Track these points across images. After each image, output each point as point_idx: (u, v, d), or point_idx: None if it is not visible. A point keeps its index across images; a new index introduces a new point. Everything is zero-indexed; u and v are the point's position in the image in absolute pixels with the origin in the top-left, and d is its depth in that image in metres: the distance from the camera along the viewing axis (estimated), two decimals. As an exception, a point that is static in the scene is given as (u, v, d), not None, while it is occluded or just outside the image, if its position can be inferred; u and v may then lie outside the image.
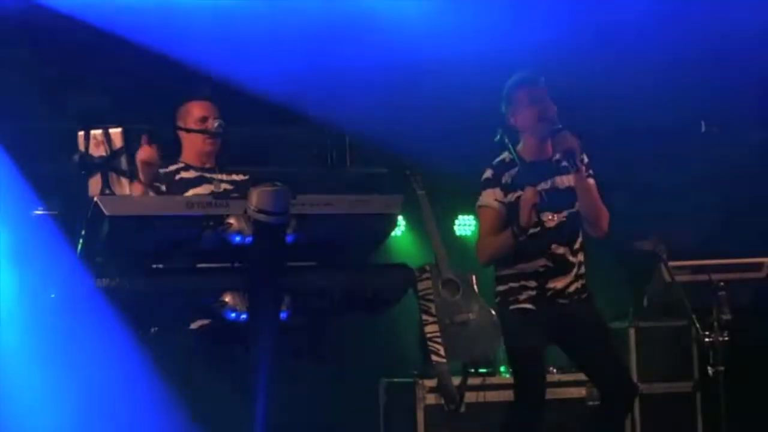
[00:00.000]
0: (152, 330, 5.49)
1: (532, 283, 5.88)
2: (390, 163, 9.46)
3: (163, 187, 5.82)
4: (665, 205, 8.71)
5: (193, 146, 6.15)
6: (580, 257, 6.02)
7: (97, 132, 5.15)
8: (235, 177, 6.12)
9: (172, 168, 6.06)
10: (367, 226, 4.99)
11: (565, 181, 5.94)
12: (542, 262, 5.87)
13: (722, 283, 6.96)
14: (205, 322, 5.26)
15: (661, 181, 9.06)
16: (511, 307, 5.95)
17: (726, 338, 6.81)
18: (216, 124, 5.89)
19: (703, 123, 6.72)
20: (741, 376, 7.18)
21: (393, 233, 5.27)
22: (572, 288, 5.92)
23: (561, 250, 5.91)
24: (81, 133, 5.07)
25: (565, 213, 5.92)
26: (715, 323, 6.84)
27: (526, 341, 5.93)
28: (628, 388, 5.99)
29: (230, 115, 6.17)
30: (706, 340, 6.81)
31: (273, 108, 8.87)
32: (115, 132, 5.22)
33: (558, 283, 5.89)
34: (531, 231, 5.78)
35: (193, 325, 5.37)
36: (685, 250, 7.30)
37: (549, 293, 5.88)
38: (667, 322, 8.22)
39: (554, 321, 5.90)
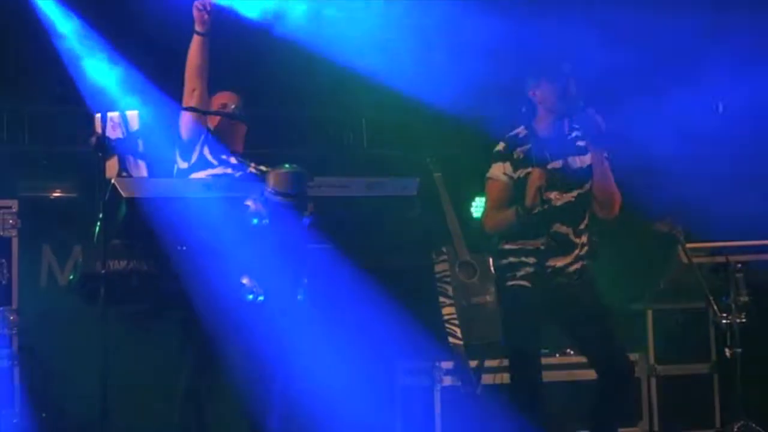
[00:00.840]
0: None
1: (531, 260, 5.85)
2: (406, 146, 9.47)
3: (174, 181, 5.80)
4: (683, 186, 8.68)
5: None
6: (584, 239, 5.99)
7: (114, 114, 5.17)
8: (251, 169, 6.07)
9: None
10: (384, 209, 4.99)
11: (578, 161, 5.91)
12: (544, 240, 5.86)
13: (739, 265, 6.95)
14: None
15: (679, 163, 9.04)
16: (508, 283, 5.92)
17: (743, 320, 6.79)
18: (233, 106, 5.85)
19: (720, 104, 6.69)
20: (758, 358, 7.17)
21: (410, 215, 5.25)
22: (572, 268, 5.89)
23: (564, 229, 5.88)
24: (98, 116, 5.08)
25: (574, 193, 5.89)
26: (733, 305, 6.83)
27: (520, 319, 5.90)
28: (623, 368, 5.95)
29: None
30: (724, 321, 6.80)
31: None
32: (132, 114, 5.25)
33: (557, 262, 5.86)
34: (536, 209, 5.77)
35: None
36: (703, 232, 7.28)
37: (548, 271, 5.85)
38: (684, 304, 8.19)
39: (550, 300, 5.86)
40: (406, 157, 9.30)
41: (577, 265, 5.91)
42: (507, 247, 5.92)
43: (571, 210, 5.87)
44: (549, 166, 5.83)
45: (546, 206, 5.77)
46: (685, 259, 7.05)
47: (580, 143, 5.92)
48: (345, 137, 9.63)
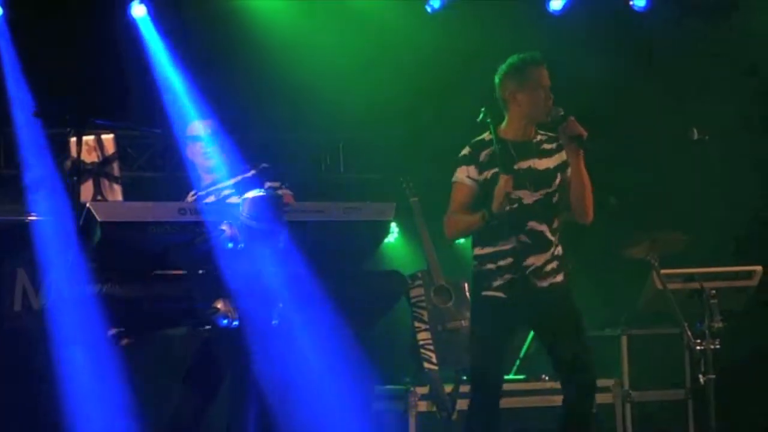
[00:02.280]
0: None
1: (509, 260, 5.82)
2: (383, 170, 9.48)
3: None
4: (658, 212, 8.73)
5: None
6: (557, 238, 6.01)
7: (89, 138, 5.17)
8: (239, 177, 6.00)
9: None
10: (360, 233, 5.00)
11: (544, 163, 5.93)
12: (520, 237, 5.85)
13: (714, 291, 6.97)
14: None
15: (654, 188, 9.09)
16: (483, 293, 5.90)
17: (717, 346, 6.81)
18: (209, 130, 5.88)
19: (694, 130, 6.72)
20: (732, 384, 7.19)
21: (386, 240, 5.25)
22: (549, 267, 5.89)
23: (539, 227, 5.88)
24: (73, 139, 5.07)
25: (542, 192, 5.91)
26: (707, 331, 6.85)
27: (489, 331, 5.88)
28: (588, 379, 5.95)
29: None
30: (698, 347, 6.82)
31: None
32: (108, 138, 5.24)
33: (536, 260, 5.85)
34: (508, 208, 5.78)
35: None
36: (677, 258, 7.31)
37: (527, 272, 5.82)
38: (658, 330, 8.23)
39: (525, 310, 5.85)
40: (384, 181, 9.33)
41: (553, 264, 5.90)
42: (484, 251, 5.90)
43: (542, 208, 5.88)
44: (515, 167, 5.85)
45: (516, 205, 5.78)
46: (659, 285, 7.08)
47: (546, 146, 5.95)
48: (322, 161, 9.65)
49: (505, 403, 6.76)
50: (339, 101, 9.08)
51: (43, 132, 8.34)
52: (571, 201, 5.92)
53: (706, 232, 7.94)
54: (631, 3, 9.38)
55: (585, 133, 5.78)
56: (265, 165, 5.90)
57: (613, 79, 8.95)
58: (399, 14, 9.00)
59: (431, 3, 9.19)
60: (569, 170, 5.92)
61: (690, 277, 7.12)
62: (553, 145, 5.95)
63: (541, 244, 5.87)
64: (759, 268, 7.34)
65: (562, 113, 5.81)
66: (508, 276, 5.82)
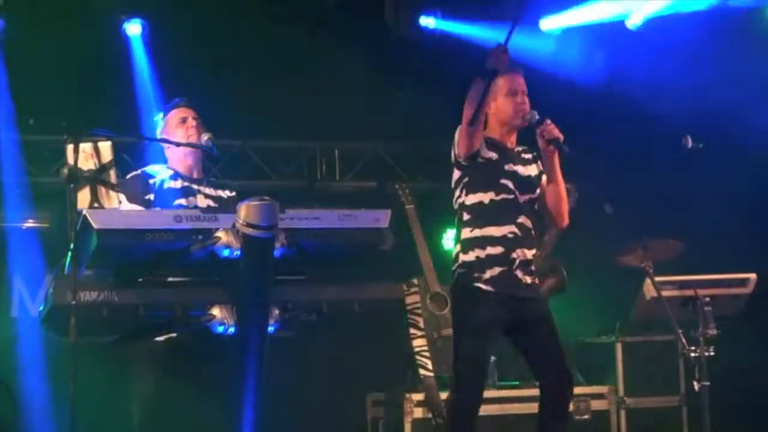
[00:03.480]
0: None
1: (498, 249, 5.83)
2: (378, 177, 9.51)
3: (151, 197, 5.82)
4: (652, 219, 8.75)
5: (176, 153, 6.02)
6: (538, 244, 6.09)
7: (86, 145, 5.18)
8: (221, 193, 6.02)
9: (160, 177, 5.96)
10: (355, 241, 5.01)
11: (526, 170, 5.97)
12: (511, 228, 5.87)
13: (708, 299, 7.00)
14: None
15: (649, 195, 9.11)
16: (474, 284, 5.88)
17: (712, 353, 6.84)
18: (206, 138, 5.83)
19: (689, 138, 6.75)
20: (726, 391, 7.21)
21: (381, 247, 5.26)
22: (533, 266, 5.92)
23: (528, 223, 5.93)
24: (70, 146, 5.08)
25: (527, 197, 5.96)
26: (701, 338, 6.87)
27: (478, 324, 5.86)
28: (566, 374, 5.96)
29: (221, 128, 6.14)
30: (692, 355, 6.84)
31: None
32: (104, 145, 5.25)
33: (524, 254, 5.87)
34: (504, 196, 5.84)
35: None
36: (672, 265, 7.33)
37: (515, 264, 5.84)
38: (653, 337, 8.26)
39: (511, 314, 5.85)
40: (379, 188, 9.35)
41: (536, 265, 5.97)
42: (472, 234, 5.89)
43: (530, 208, 5.94)
44: (505, 168, 5.92)
45: (512, 196, 5.85)
46: (654, 293, 7.10)
47: (525, 156, 6.00)
48: (318, 169, 9.67)
49: (498, 409, 6.81)
50: (336, 108, 9.11)
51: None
52: (549, 205, 5.98)
53: (700, 239, 7.95)
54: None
55: (561, 136, 5.83)
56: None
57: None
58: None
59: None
60: (544, 177, 5.98)
61: (684, 285, 7.14)
62: (531, 155, 6.02)
63: (528, 239, 5.92)
64: (753, 275, 7.37)
65: (538, 117, 5.87)
66: (497, 269, 5.82)
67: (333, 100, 8.98)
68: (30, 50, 8.21)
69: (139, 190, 5.78)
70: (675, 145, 7.04)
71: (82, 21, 8.18)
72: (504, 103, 5.93)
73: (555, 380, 5.87)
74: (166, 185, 5.88)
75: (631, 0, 8.98)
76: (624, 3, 9.02)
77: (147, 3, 8.52)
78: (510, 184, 5.89)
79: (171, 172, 5.96)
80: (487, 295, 5.81)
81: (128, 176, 5.85)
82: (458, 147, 5.87)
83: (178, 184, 5.91)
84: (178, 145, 5.87)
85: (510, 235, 5.86)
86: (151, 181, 5.87)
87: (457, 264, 5.94)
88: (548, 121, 5.85)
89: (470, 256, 5.88)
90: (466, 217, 5.93)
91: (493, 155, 5.89)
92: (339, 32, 8.79)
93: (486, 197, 5.89)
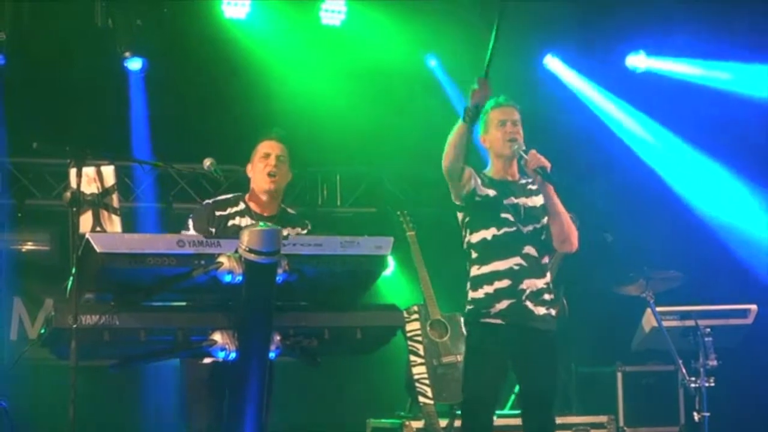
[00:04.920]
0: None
1: (506, 282, 5.85)
2: (379, 203, 9.52)
3: (212, 230, 5.72)
4: (653, 250, 8.76)
5: (255, 189, 5.93)
6: (549, 276, 6.06)
7: (89, 169, 5.18)
8: (292, 231, 5.74)
9: (230, 211, 5.86)
10: (358, 267, 5.01)
11: (530, 201, 5.99)
12: (517, 260, 5.88)
13: (709, 329, 6.99)
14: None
15: (649, 227, 9.12)
16: (482, 319, 5.91)
17: (712, 384, 6.83)
18: (208, 163, 5.80)
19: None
20: (726, 422, 7.20)
21: (383, 274, 5.27)
22: (546, 296, 5.91)
23: (534, 252, 5.94)
24: (73, 170, 5.08)
25: (531, 227, 5.97)
26: (701, 369, 6.86)
27: (487, 362, 5.89)
28: (549, 419, 5.97)
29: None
30: (692, 385, 6.83)
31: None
32: (107, 170, 5.25)
33: (532, 284, 5.88)
34: (505, 230, 5.86)
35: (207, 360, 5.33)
36: (673, 296, 7.33)
37: (524, 296, 5.84)
38: (653, 367, 8.24)
39: (518, 342, 5.86)
40: (381, 214, 9.36)
41: (549, 295, 5.94)
42: (480, 271, 5.93)
43: (535, 238, 5.94)
44: (504, 202, 5.95)
45: (515, 228, 5.88)
46: (654, 323, 7.10)
47: (531, 187, 6.01)
48: (319, 194, 9.69)
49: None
50: (335, 135, 9.14)
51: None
52: (554, 233, 5.98)
53: (702, 269, 7.96)
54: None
55: (548, 165, 5.83)
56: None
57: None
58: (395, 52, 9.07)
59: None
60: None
61: (685, 315, 7.14)
62: (536, 186, 6.02)
63: (536, 269, 5.93)
64: (754, 306, 7.36)
65: (524, 148, 5.89)
66: (506, 301, 5.84)
67: (332, 127, 9.02)
68: (33, 77, 8.27)
69: (203, 222, 5.72)
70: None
71: (87, 52, 8.27)
72: (494, 134, 6.00)
73: (536, 417, 5.89)
74: (230, 222, 5.81)
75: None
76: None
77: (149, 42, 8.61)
78: (510, 217, 5.90)
79: (243, 207, 5.89)
80: (496, 328, 5.84)
81: (203, 203, 5.79)
82: (451, 191, 5.95)
83: (244, 221, 5.82)
84: (179, 173, 5.85)
85: (516, 267, 5.87)
86: (218, 214, 5.81)
87: (467, 302, 6.01)
88: (532, 151, 5.87)
89: (479, 293, 5.94)
90: (473, 255, 5.99)
91: (491, 192, 5.93)
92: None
93: (488, 233, 5.94)
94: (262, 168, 5.88)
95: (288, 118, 8.77)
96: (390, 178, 9.75)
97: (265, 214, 5.89)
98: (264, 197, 5.91)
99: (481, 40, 5.86)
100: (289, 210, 6.06)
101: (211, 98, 8.74)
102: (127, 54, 8.48)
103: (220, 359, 4.85)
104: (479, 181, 5.95)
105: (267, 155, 5.90)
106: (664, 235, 8.93)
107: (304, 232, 5.91)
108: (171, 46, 8.62)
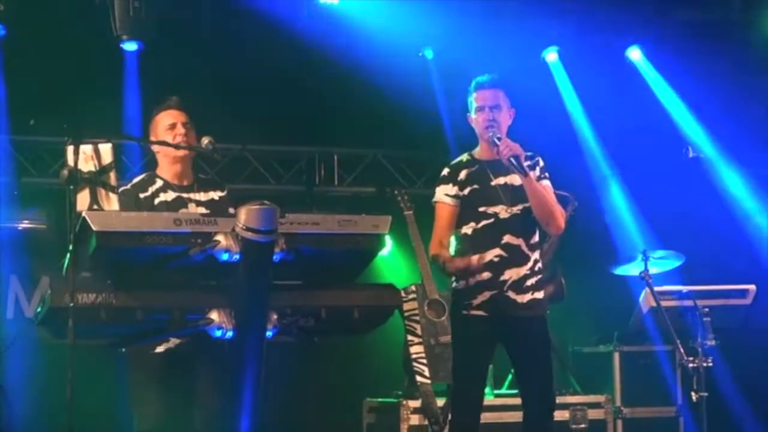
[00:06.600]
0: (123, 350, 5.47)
1: (487, 275, 5.86)
2: (377, 182, 9.50)
3: (145, 214, 5.65)
4: (653, 230, 8.75)
5: (166, 160, 5.90)
6: (536, 254, 6.04)
7: (86, 147, 5.15)
8: (213, 195, 5.91)
9: (151, 190, 5.83)
10: (355, 246, 4.99)
11: (518, 179, 5.98)
12: (497, 251, 5.89)
13: (707, 309, 6.99)
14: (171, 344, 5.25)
15: (646, 206, 9.11)
16: (464, 312, 5.94)
17: (710, 364, 6.83)
18: (206, 141, 5.76)
19: (690, 148, 6.76)
20: (724, 402, 7.20)
21: (380, 253, 5.26)
22: (529, 282, 5.91)
23: (516, 241, 5.93)
24: (70, 148, 5.05)
25: (519, 207, 5.96)
26: (699, 349, 6.86)
27: (472, 354, 5.92)
28: (548, 403, 5.99)
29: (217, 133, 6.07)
30: (690, 365, 6.83)
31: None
32: (105, 147, 5.22)
33: (514, 274, 5.88)
34: (484, 223, 5.87)
35: (159, 348, 5.33)
36: (671, 276, 7.33)
37: (506, 286, 5.85)
38: (651, 347, 8.24)
39: (505, 327, 5.88)
40: (378, 193, 9.34)
41: (533, 279, 5.94)
42: None
43: (519, 222, 5.94)
44: (492, 184, 5.97)
45: (493, 219, 5.82)
46: (653, 302, 7.09)
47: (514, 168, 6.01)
48: (317, 174, 9.66)
49: (496, 417, 6.78)
50: (334, 113, 9.11)
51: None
52: (536, 216, 5.97)
53: (700, 249, 7.95)
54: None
55: (521, 153, 5.82)
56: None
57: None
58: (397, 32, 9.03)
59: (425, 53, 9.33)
60: (544, 182, 6.00)
61: (683, 295, 7.14)
62: (527, 163, 6.00)
63: (518, 257, 5.93)
64: (753, 286, 7.36)
65: (498, 135, 5.88)
66: (487, 293, 5.86)
67: (332, 105, 8.99)
68: (31, 53, 8.22)
69: (133, 209, 5.62)
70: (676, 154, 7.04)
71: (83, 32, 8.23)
72: (475, 119, 6.03)
73: (535, 410, 5.94)
74: (157, 200, 5.78)
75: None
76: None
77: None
78: (489, 209, 5.92)
79: (161, 183, 5.85)
80: (479, 320, 5.87)
81: (120, 191, 5.57)
82: None
83: (169, 196, 5.81)
84: (177, 147, 5.79)
85: (496, 259, 5.89)
86: (142, 197, 5.77)
87: (451, 293, 6.08)
88: (505, 140, 5.86)
89: (460, 284, 6.00)
90: (457, 247, 6.06)
91: (475, 187, 5.95)
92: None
93: (468, 229, 5.99)
94: (171, 139, 5.81)
95: (290, 96, 8.78)
96: (388, 158, 9.72)
97: (185, 184, 5.88)
98: (178, 167, 5.88)
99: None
100: (201, 176, 6.09)
101: (207, 79, 8.69)
102: (124, 37, 8.44)
103: (217, 337, 4.84)
104: (455, 185, 5.99)
105: (173, 125, 5.85)
106: (663, 216, 8.91)
107: (224, 193, 5.94)
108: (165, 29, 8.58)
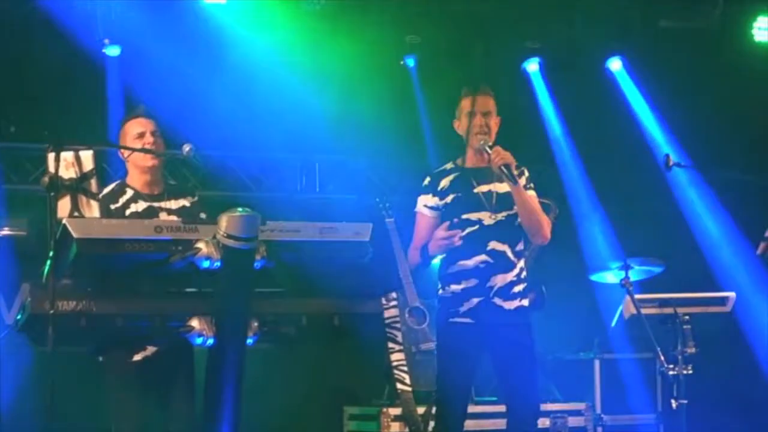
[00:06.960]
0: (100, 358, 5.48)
1: (473, 282, 5.86)
2: (359, 190, 9.50)
3: (125, 222, 5.59)
4: (634, 237, 8.77)
5: (136, 170, 5.85)
6: (522, 262, 6.05)
7: (67, 154, 5.14)
8: (184, 202, 5.89)
9: (122, 201, 5.79)
10: (336, 254, 4.99)
11: (504, 186, 5.98)
12: (482, 257, 5.89)
13: (687, 317, 7.01)
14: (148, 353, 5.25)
15: (630, 214, 9.14)
16: (451, 319, 5.93)
17: (690, 371, 6.85)
18: (187, 149, 5.74)
19: (669, 156, 6.77)
20: (704, 410, 7.22)
21: (361, 260, 5.25)
22: (515, 289, 5.92)
23: (501, 247, 5.93)
24: (51, 155, 5.04)
25: (504, 213, 5.96)
26: (680, 356, 6.88)
27: (458, 362, 5.91)
28: (532, 411, 5.99)
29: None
30: (670, 372, 6.85)
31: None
32: (86, 154, 5.21)
33: (500, 280, 5.88)
34: (469, 229, 5.87)
35: (136, 357, 5.33)
36: (652, 283, 7.35)
37: (492, 292, 5.85)
38: (631, 354, 8.26)
39: (491, 334, 5.88)
40: (359, 201, 9.34)
41: (519, 287, 5.94)
42: (448, 271, 5.95)
43: (504, 229, 5.93)
44: (474, 191, 5.95)
45: (477, 226, 5.83)
46: (633, 310, 7.11)
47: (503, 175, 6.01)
48: (298, 181, 9.66)
49: (477, 425, 6.78)
50: (315, 121, 9.11)
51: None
52: (524, 227, 5.98)
53: (681, 257, 7.98)
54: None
55: (512, 161, 5.82)
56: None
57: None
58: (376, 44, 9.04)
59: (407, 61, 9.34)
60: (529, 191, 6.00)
61: (664, 302, 7.16)
62: (516, 172, 6.01)
63: (503, 264, 5.93)
64: (733, 294, 7.39)
65: (490, 143, 5.88)
66: (474, 300, 5.86)
67: (312, 113, 8.99)
68: (16, 58, 8.21)
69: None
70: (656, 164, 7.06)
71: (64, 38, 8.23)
72: (464, 123, 5.98)
73: (519, 418, 5.89)
74: (128, 211, 5.75)
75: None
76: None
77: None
78: (474, 216, 5.92)
79: (131, 193, 5.82)
80: (466, 327, 5.85)
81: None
82: None
83: (140, 206, 5.78)
84: (157, 155, 5.78)
85: (482, 265, 5.90)
86: (113, 207, 5.74)
87: (437, 301, 6.07)
88: (496, 148, 5.86)
89: (447, 293, 5.99)
90: (443, 255, 6.02)
91: (458, 195, 5.94)
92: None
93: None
94: (141, 147, 5.79)
95: (270, 103, 8.78)
96: (369, 166, 9.73)
97: (155, 193, 5.86)
98: (148, 176, 5.85)
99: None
100: (171, 182, 6.09)
101: (188, 88, 8.68)
102: (106, 41, 8.42)
103: (198, 345, 4.84)
104: (435, 195, 6.00)
105: (141, 134, 5.81)
106: (644, 224, 8.94)
107: (195, 199, 5.93)
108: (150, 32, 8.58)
